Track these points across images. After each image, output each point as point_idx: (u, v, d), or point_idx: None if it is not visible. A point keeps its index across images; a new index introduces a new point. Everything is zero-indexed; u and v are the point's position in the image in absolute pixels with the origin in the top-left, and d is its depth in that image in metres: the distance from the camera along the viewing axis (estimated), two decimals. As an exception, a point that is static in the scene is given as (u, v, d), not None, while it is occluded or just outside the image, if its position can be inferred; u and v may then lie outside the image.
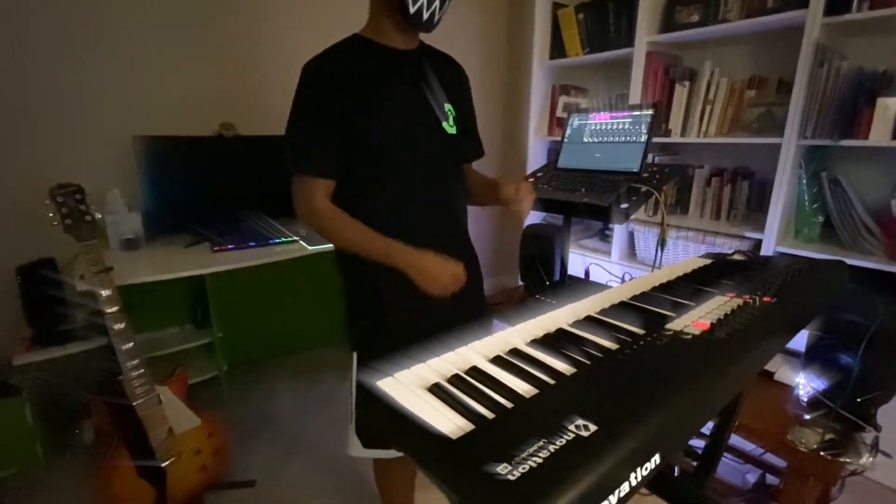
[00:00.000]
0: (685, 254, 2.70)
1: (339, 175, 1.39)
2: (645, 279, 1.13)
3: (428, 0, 1.29)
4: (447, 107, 1.48)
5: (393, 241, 1.33)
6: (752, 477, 2.08)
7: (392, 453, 1.47)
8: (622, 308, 0.94)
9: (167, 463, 1.81)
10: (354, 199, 1.39)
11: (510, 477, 0.44)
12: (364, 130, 1.35)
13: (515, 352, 0.75)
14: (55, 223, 1.65)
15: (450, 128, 1.48)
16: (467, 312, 1.48)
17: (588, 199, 1.77)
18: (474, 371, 0.68)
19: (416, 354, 0.72)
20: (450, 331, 0.86)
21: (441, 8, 1.33)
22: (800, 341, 1.60)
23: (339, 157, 1.36)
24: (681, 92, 2.71)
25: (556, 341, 0.78)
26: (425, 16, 1.31)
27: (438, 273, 1.32)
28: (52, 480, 2.23)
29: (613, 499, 0.47)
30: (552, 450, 0.48)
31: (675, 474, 1.35)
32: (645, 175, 1.80)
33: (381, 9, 1.38)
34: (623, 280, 1.65)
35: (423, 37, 1.48)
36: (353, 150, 1.36)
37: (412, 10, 1.29)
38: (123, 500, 1.80)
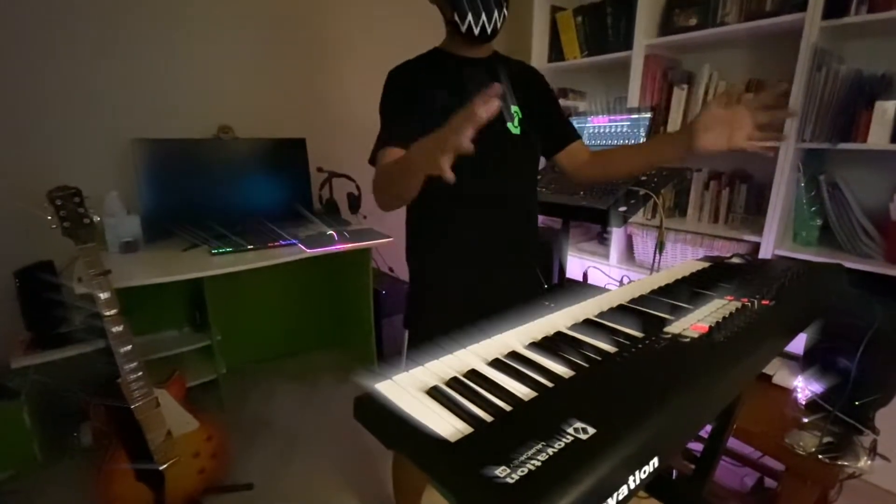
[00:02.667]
0: (683, 257, 2.70)
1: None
2: (643, 282, 1.13)
3: (475, 16, 1.35)
4: (514, 109, 1.52)
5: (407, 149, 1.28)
6: (750, 480, 2.08)
7: None
8: (620, 311, 0.94)
9: (165, 466, 1.81)
10: (419, 200, 1.40)
11: (509, 480, 0.44)
12: (435, 125, 1.37)
13: (514, 355, 0.75)
14: (53, 226, 1.65)
15: (514, 128, 1.52)
16: (519, 293, 1.50)
17: (586, 203, 1.78)
18: (473, 374, 0.68)
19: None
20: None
21: (493, 19, 1.38)
22: (798, 344, 1.61)
23: (417, 135, 1.36)
24: (679, 95, 2.71)
25: (554, 344, 0.78)
26: (476, 31, 1.37)
27: (432, 148, 1.14)
28: (49, 483, 2.22)
29: (612, 502, 0.47)
30: (550, 453, 0.48)
31: (674, 477, 1.35)
32: (643, 178, 1.81)
33: (447, 26, 1.46)
34: (621, 283, 1.65)
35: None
36: None
37: (463, 28, 1.37)
38: (121, 503, 1.80)
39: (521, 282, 1.64)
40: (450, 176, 1.03)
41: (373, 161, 1.43)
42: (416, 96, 1.41)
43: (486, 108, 0.96)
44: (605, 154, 1.67)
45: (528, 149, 1.62)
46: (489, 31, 1.39)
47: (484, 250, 1.50)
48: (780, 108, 1.32)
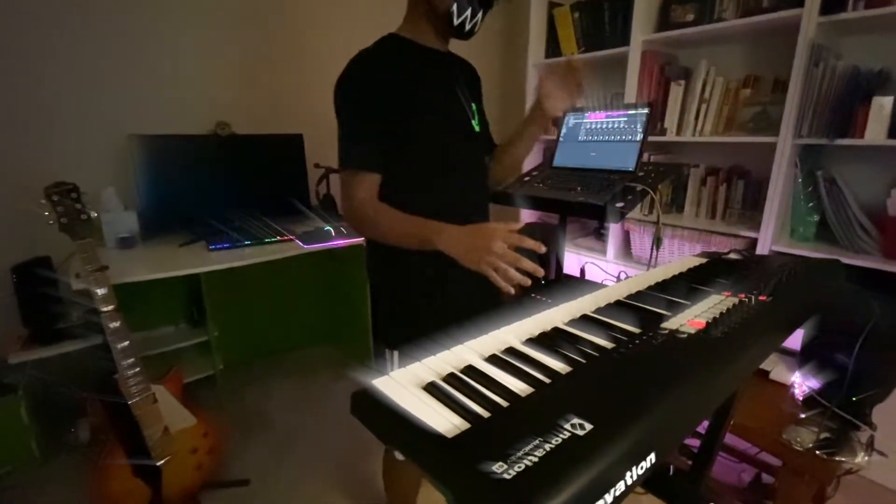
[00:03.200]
0: (681, 253, 2.70)
1: (383, 171, 1.41)
2: (640, 278, 1.13)
3: (472, 13, 1.37)
4: (473, 106, 1.54)
5: (426, 221, 1.29)
6: (747, 476, 2.09)
7: None
8: (618, 307, 0.94)
9: (162, 462, 1.81)
10: (392, 196, 1.41)
11: (506, 476, 0.44)
12: (406, 127, 1.38)
13: (511, 350, 0.75)
14: (51, 222, 1.65)
15: (476, 126, 1.55)
16: (495, 300, 1.49)
17: (583, 198, 1.77)
18: (470, 370, 0.68)
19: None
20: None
21: (480, 20, 1.40)
22: (795, 340, 1.61)
23: (384, 152, 1.37)
24: (676, 91, 2.71)
25: (551, 340, 0.78)
26: (468, 27, 1.38)
27: (469, 241, 1.19)
28: (47, 479, 2.22)
29: (609, 497, 0.47)
30: (548, 448, 0.48)
31: (671, 473, 1.35)
32: (640, 174, 1.80)
33: (424, 14, 1.41)
34: (619, 279, 1.65)
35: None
36: (394, 144, 1.38)
37: (456, 22, 1.36)
38: (119, 499, 1.80)
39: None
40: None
41: (340, 167, 1.42)
42: (381, 92, 1.35)
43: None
44: (499, 150, 1.75)
45: (485, 144, 1.66)
46: (476, 30, 1.41)
47: None
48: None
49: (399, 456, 0.57)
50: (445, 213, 1.44)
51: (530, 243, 1.10)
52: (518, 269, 1.09)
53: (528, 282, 1.10)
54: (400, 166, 1.40)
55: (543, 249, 1.11)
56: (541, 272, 1.09)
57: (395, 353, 1.51)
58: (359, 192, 1.38)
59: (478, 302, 1.35)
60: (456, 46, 1.53)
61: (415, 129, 1.39)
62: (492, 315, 0.88)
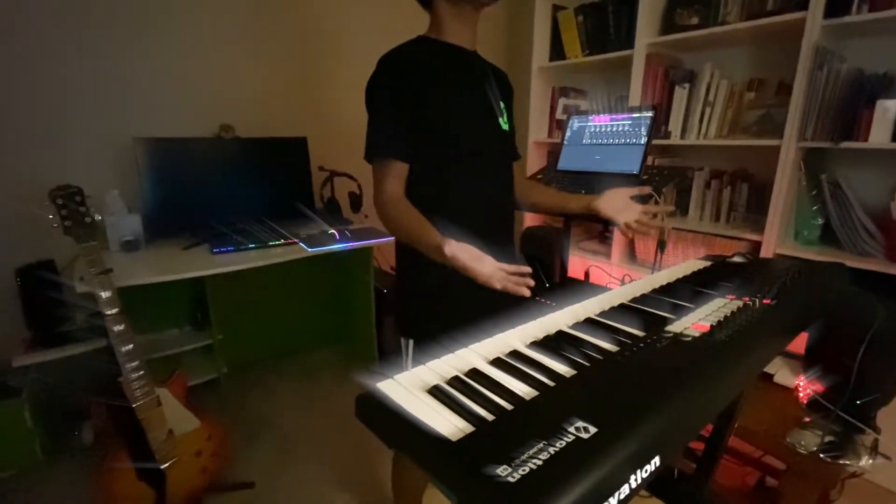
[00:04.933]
0: (685, 256, 2.69)
1: (412, 161, 1.41)
2: (645, 281, 1.13)
3: None
4: (501, 104, 1.54)
5: (437, 232, 1.31)
6: (751, 479, 2.08)
7: None
8: (622, 310, 0.94)
9: (167, 465, 1.81)
10: (420, 189, 1.42)
11: (510, 479, 0.44)
12: (434, 120, 1.38)
13: (515, 354, 0.75)
14: (55, 225, 1.65)
15: (504, 124, 1.54)
16: (511, 298, 1.50)
17: (588, 202, 1.77)
18: (474, 373, 0.69)
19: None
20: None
21: None
22: (799, 343, 1.61)
23: (413, 142, 1.38)
24: (680, 94, 2.71)
25: (556, 343, 0.78)
26: None
27: (476, 257, 1.27)
28: (51, 482, 2.22)
29: (613, 501, 0.47)
30: (552, 452, 0.48)
31: (675, 476, 1.35)
32: (644, 177, 1.80)
33: (444, 1, 1.41)
34: (623, 282, 1.65)
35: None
36: (422, 139, 1.39)
37: None
38: (123, 502, 1.80)
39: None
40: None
41: (369, 158, 1.41)
42: (413, 90, 1.37)
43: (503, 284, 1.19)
44: (529, 184, 1.76)
45: (512, 145, 1.65)
46: None
47: (490, 245, 1.50)
48: (657, 220, 1.55)
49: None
50: (471, 207, 1.47)
51: (523, 270, 1.24)
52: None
53: (529, 282, 1.21)
54: (428, 160, 1.41)
55: (529, 270, 1.24)
56: (528, 270, 1.23)
57: (411, 342, 1.52)
58: (387, 185, 1.39)
59: (501, 297, 1.36)
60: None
61: (443, 122, 1.39)
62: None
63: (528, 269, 1.24)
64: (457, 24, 1.44)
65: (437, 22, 1.45)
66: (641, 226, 1.50)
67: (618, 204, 1.53)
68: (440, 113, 1.39)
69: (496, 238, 1.53)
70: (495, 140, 1.52)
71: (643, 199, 1.60)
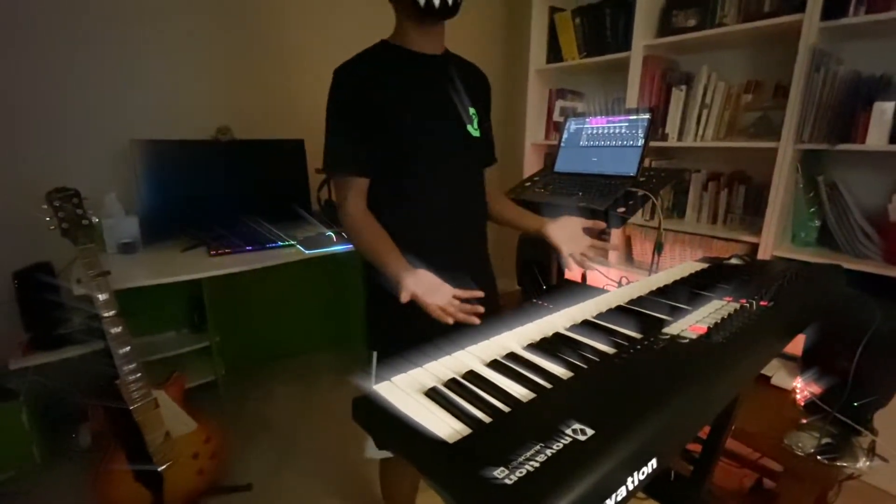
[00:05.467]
0: (682, 258, 2.70)
1: (372, 175, 1.40)
2: (642, 283, 1.13)
3: None
4: (471, 110, 1.50)
5: (394, 258, 1.32)
6: (748, 481, 2.08)
7: None
8: (619, 312, 0.94)
9: (164, 467, 1.81)
10: (383, 200, 1.42)
11: (507, 481, 0.44)
12: (393, 130, 1.37)
13: (512, 356, 0.75)
14: (52, 227, 1.65)
15: (474, 131, 1.50)
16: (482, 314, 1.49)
17: (585, 204, 1.77)
18: (471, 375, 0.69)
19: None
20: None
21: None
22: (797, 345, 1.61)
23: (371, 155, 1.37)
24: (678, 96, 2.71)
25: (553, 346, 0.78)
26: (437, 3, 1.27)
27: (424, 291, 1.26)
28: (48, 484, 2.22)
29: (610, 503, 0.47)
30: (549, 454, 0.48)
31: (672, 478, 1.35)
32: (642, 179, 1.81)
33: (400, 11, 1.38)
34: (620, 284, 1.65)
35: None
36: (383, 151, 1.37)
37: (422, 3, 1.27)
38: (120, 505, 1.80)
39: (492, 285, 1.65)
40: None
41: (326, 170, 1.42)
42: (368, 103, 1.34)
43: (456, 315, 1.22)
44: (498, 197, 1.73)
45: (484, 151, 1.62)
46: (450, 2, 1.28)
47: (457, 253, 1.49)
48: (603, 249, 1.54)
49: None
50: (436, 218, 1.45)
51: (475, 294, 1.26)
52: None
53: (479, 309, 1.23)
54: (388, 172, 1.39)
55: (481, 295, 1.27)
56: (479, 294, 1.27)
57: (374, 354, 1.50)
58: (348, 202, 1.39)
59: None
60: (457, 47, 1.52)
61: (402, 134, 1.37)
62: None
63: (479, 294, 1.26)
64: (417, 34, 1.40)
65: (400, 30, 1.42)
66: (585, 260, 1.49)
67: (567, 233, 1.53)
68: (398, 125, 1.37)
69: (464, 247, 1.54)
70: (462, 147, 1.49)
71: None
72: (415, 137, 1.39)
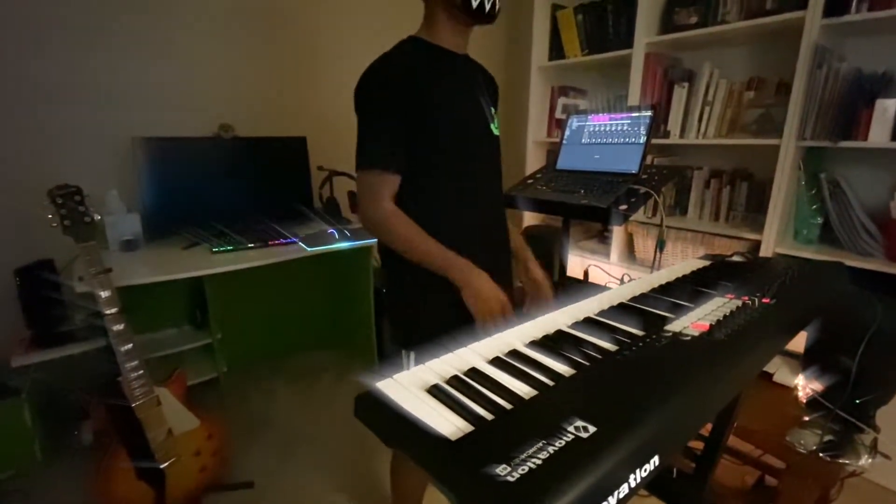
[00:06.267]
0: (684, 255, 2.70)
1: (405, 174, 1.40)
2: (644, 281, 1.13)
3: None
4: (493, 109, 1.53)
5: (454, 255, 1.34)
6: (750, 478, 2.08)
7: None
8: (621, 309, 0.94)
9: (166, 464, 1.81)
10: (409, 198, 1.40)
11: (509, 478, 0.44)
12: (427, 127, 1.37)
13: (514, 353, 0.75)
14: (54, 224, 1.65)
15: (496, 129, 1.53)
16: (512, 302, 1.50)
17: (587, 201, 1.77)
18: (473, 372, 0.68)
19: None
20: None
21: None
22: (799, 343, 1.61)
23: (405, 153, 1.37)
24: (680, 93, 2.71)
25: (555, 343, 0.78)
26: (487, 7, 1.34)
27: (489, 297, 1.32)
28: (50, 482, 2.22)
29: (613, 500, 0.47)
30: (551, 451, 0.48)
31: (674, 475, 1.35)
32: (644, 176, 1.81)
33: (442, 8, 1.39)
34: (622, 281, 1.65)
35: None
36: (420, 147, 1.38)
37: (474, 4, 1.32)
38: (122, 502, 1.79)
39: (510, 277, 1.66)
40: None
41: (363, 168, 1.38)
42: (408, 99, 1.34)
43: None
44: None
45: (499, 150, 1.63)
46: (497, 8, 1.37)
47: (488, 252, 1.49)
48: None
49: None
50: (465, 216, 1.47)
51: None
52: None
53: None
54: (420, 169, 1.39)
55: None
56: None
57: (412, 354, 1.51)
58: (383, 199, 1.37)
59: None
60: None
61: (435, 130, 1.38)
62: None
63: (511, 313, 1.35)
64: (449, 32, 1.42)
65: (431, 24, 1.43)
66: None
67: (533, 287, 1.66)
68: (436, 122, 1.37)
69: (493, 246, 1.56)
70: (488, 146, 1.51)
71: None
72: (450, 136, 1.40)
